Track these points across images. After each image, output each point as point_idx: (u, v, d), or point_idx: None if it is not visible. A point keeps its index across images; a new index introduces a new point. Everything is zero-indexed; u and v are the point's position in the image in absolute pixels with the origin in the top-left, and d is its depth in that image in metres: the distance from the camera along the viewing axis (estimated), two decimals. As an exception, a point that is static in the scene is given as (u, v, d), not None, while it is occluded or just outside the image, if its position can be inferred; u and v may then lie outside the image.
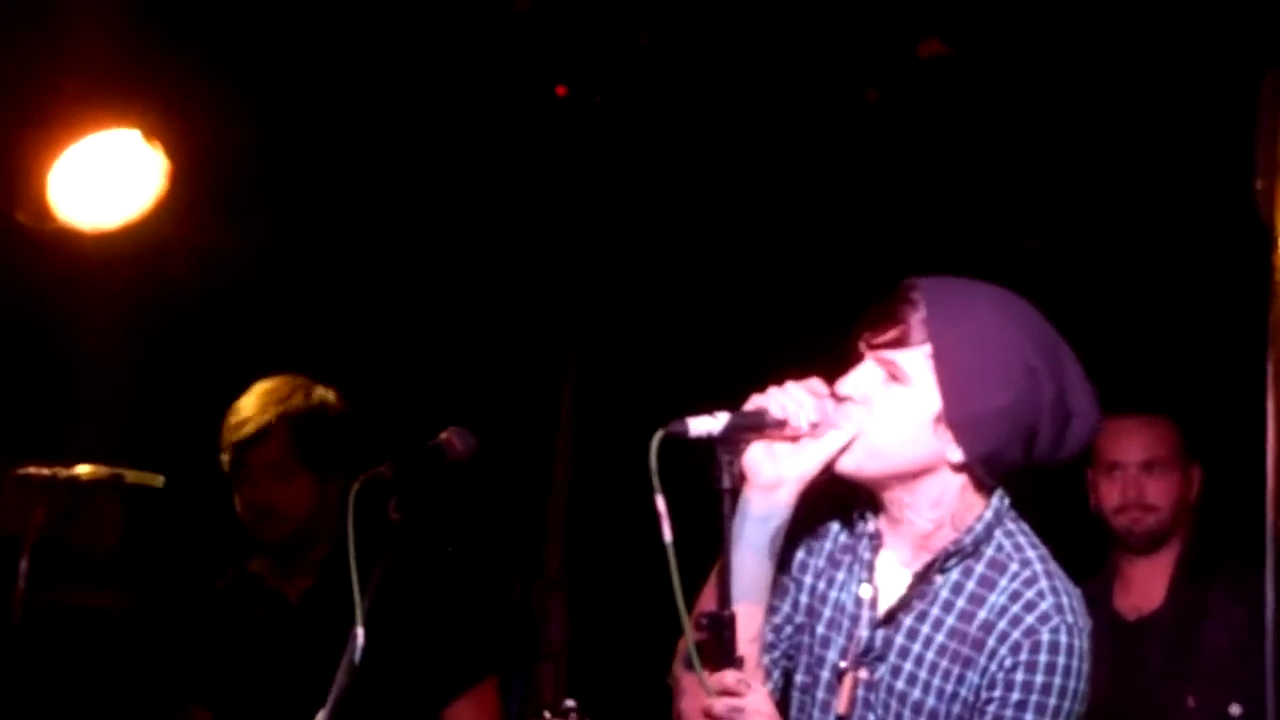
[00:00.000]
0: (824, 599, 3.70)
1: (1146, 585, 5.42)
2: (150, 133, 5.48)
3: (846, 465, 3.57)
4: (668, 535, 3.37)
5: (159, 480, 4.80)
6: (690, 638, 3.42)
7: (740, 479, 3.53)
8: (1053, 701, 3.49)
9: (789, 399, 3.53)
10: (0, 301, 6.07)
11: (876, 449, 3.55)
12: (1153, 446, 5.39)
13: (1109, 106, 5.66)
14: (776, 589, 3.70)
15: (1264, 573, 4.49)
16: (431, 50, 5.94)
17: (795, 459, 3.55)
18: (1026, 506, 3.73)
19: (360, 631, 4.02)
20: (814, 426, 3.53)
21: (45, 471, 4.68)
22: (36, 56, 5.35)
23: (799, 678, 3.71)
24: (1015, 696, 3.49)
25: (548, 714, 4.11)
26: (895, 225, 6.03)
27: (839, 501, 3.70)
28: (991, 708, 3.51)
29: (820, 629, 3.69)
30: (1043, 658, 3.50)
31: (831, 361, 3.64)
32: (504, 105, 6.15)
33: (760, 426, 3.52)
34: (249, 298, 6.48)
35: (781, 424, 3.52)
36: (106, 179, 5.46)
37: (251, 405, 4.98)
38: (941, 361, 3.52)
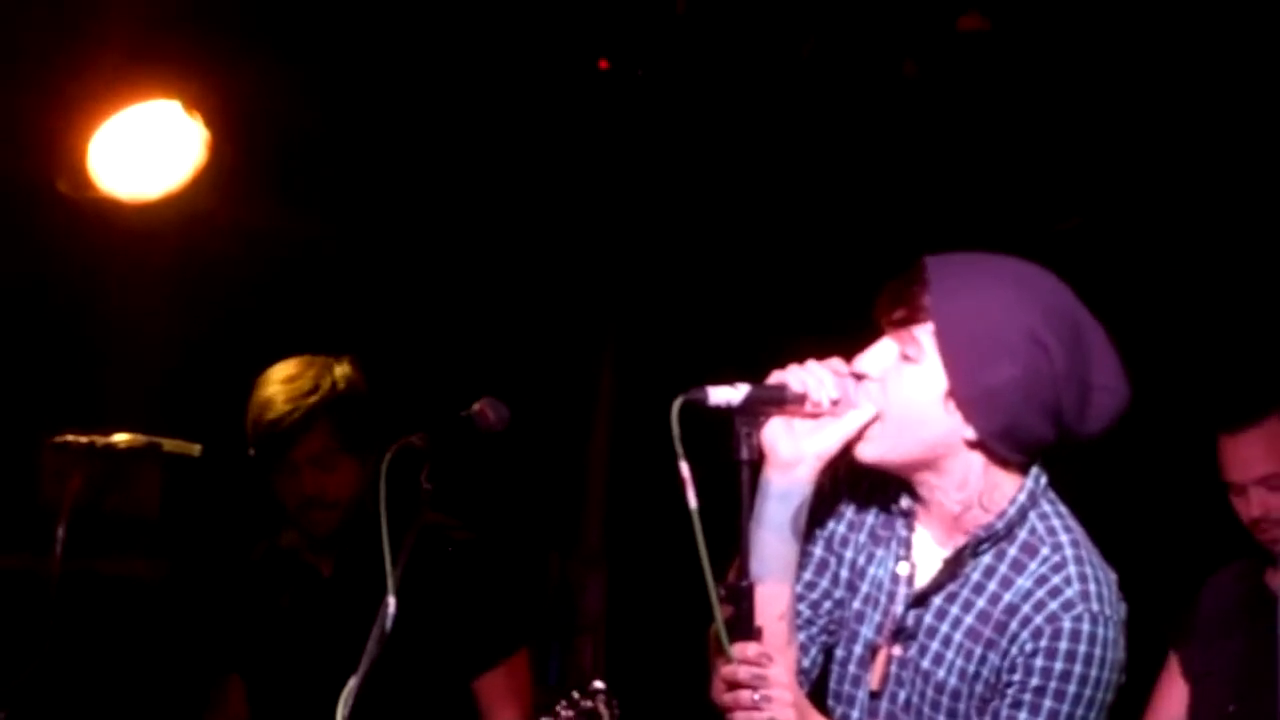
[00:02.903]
0: (863, 574, 3.69)
1: None
2: (191, 104, 5.49)
3: (866, 454, 3.54)
4: (693, 501, 3.36)
5: (196, 449, 4.81)
6: (716, 604, 3.41)
7: (759, 453, 3.51)
8: (1072, 689, 3.46)
9: (810, 376, 3.51)
10: (41, 271, 6.12)
11: (893, 431, 3.52)
12: (1265, 461, 5.12)
13: (1145, 80, 5.62)
14: (815, 564, 3.70)
15: None
16: (474, 25, 5.94)
17: (815, 437, 3.52)
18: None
19: (392, 600, 4.03)
20: (834, 404, 3.51)
21: (83, 439, 4.69)
22: (78, 25, 5.37)
23: (838, 652, 3.71)
24: (1034, 682, 3.46)
25: (576, 694, 4.11)
26: (932, 201, 6.00)
27: (882, 477, 3.66)
28: (1011, 690, 3.48)
29: (857, 604, 3.68)
30: (1063, 645, 3.46)
31: (862, 341, 3.62)
32: (547, 79, 6.15)
33: (780, 401, 3.50)
34: (287, 269, 6.49)
35: (801, 399, 3.50)
36: (147, 149, 5.48)
37: (282, 399, 4.88)
38: (943, 337, 3.48)
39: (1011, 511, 3.55)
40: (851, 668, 3.67)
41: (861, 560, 3.69)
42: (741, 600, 3.42)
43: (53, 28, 5.37)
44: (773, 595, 3.51)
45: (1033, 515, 3.57)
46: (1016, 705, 3.48)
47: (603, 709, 4.08)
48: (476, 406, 4.16)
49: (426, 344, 6.66)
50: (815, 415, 3.52)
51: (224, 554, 5.49)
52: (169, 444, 4.76)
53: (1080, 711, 3.48)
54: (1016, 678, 3.48)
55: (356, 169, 6.28)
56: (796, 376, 3.51)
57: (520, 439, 4.44)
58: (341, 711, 4.00)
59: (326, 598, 5.01)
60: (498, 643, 4.99)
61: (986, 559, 3.57)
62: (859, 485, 3.70)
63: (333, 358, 4.99)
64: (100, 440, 4.69)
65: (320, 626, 4.96)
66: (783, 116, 6.02)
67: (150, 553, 6.58)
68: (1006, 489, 3.56)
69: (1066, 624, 3.47)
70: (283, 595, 5.10)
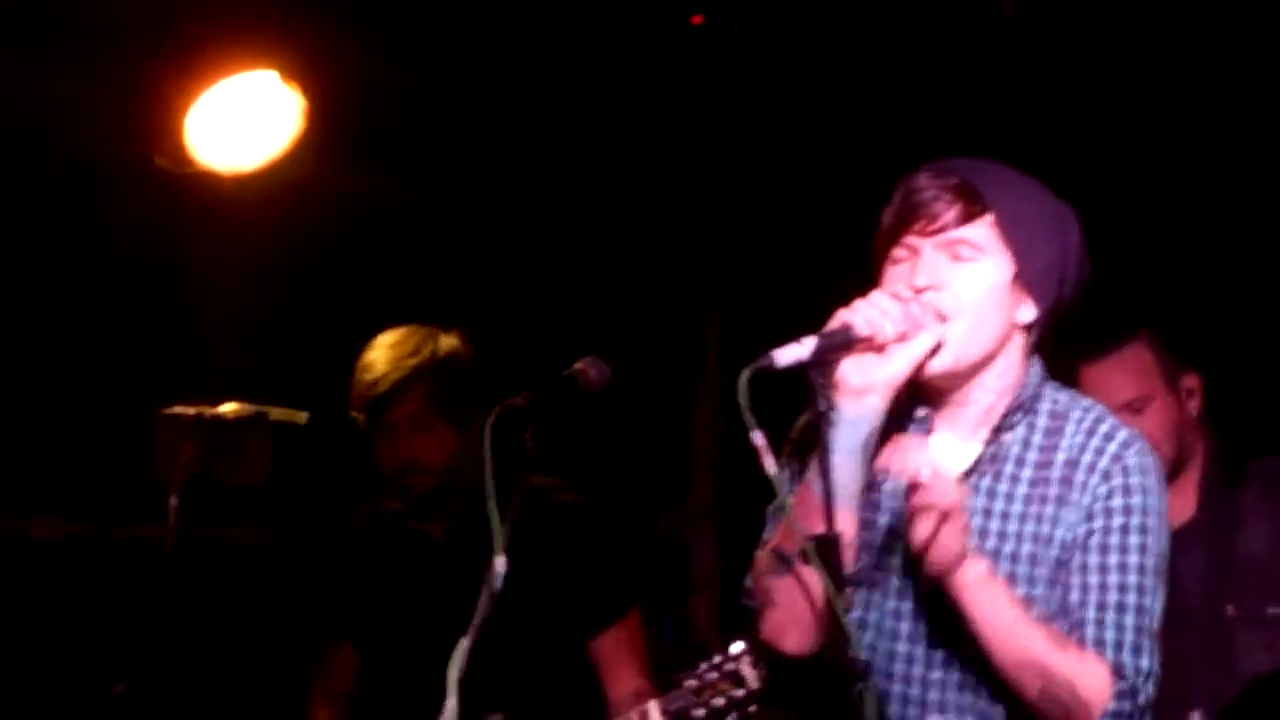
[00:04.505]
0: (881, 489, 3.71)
1: (1176, 499, 5.17)
2: (287, 74, 5.52)
3: (940, 365, 3.59)
4: (771, 468, 3.37)
5: (303, 417, 4.86)
6: (817, 566, 3.40)
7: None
8: (1152, 520, 3.58)
9: (873, 310, 3.53)
10: (142, 244, 6.17)
11: (967, 332, 3.58)
12: (1126, 386, 5.10)
13: (1246, 24, 5.55)
14: None
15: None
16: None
17: (885, 365, 3.54)
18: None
19: (500, 560, 4.03)
20: (901, 336, 3.53)
21: (192, 411, 4.75)
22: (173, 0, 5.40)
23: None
24: (1117, 521, 3.57)
25: (718, 656, 4.05)
26: (1032, 142, 5.93)
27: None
28: (1095, 538, 3.57)
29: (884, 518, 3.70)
30: (1135, 479, 3.58)
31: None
32: (642, 36, 6.12)
33: (848, 344, 3.51)
34: (387, 235, 6.52)
35: (868, 340, 3.51)
36: (244, 121, 5.51)
37: (383, 362, 4.97)
38: (1008, 224, 3.60)
39: (1032, 382, 3.67)
40: (894, 580, 3.68)
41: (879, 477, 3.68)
42: (830, 549, 3.41)
43: (149, 2, 5.40)
44: (842, 522, 3.48)
45: (1048, 389, 3.70)
46: (1104, 550, 3.57)
47: (747, 670, 3.98)
48: (578, 366, 4.16)
49: (529, 305, 6.66)
50: (883, 348, 3.54)
51: (331, 520, 5.53)
52: (275, 412, 4.80)
53: (1159, 543, 3.60)
54: (1097, 524, 3.58)
55: (453, 133, 6.29)
56: (861, 315, 3.52)
57: (628, 396, 4.45)
58: (453, 673, 4.02)
59: (438, 561, 5.04)
60: (610, 603, 5.02)
61: (1020, 431, 3.65)
62: None
63: (441, 328, 5.03)
64: (208, 411, 4.75)
65: (432, 590, 4.99)
66: (880, 65, 5.98)
67: (261, 521, 6.64)
68: (1025, 370, 3.68)
69: (1132, 459, 3.60)
70: (391, 559, 5.13)
